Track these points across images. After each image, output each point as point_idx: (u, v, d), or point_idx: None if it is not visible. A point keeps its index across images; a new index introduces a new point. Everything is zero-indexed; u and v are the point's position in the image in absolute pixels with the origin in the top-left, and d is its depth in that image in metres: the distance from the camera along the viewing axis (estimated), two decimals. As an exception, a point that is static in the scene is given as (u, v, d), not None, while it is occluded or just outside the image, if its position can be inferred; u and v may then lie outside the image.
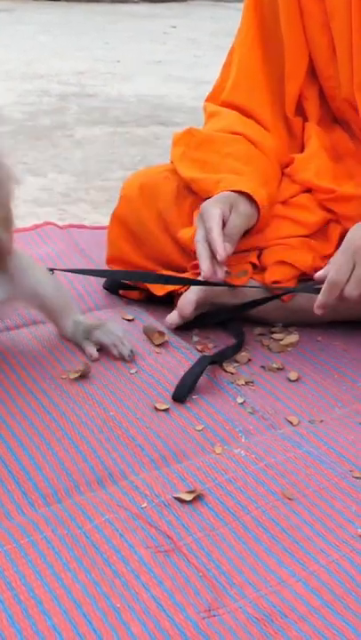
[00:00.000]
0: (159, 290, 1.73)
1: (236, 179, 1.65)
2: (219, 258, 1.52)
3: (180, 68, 5.42)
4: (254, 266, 1.68)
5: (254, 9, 1.79)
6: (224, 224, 1.57)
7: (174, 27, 7.64)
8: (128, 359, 1.51)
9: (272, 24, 1.77)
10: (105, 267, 1.88)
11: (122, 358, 1.51)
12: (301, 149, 1.81)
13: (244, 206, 1.60)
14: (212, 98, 1.91)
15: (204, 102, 1.93)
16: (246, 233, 1.65)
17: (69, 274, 1.75)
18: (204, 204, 1.61)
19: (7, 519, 1.12)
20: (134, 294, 1.80)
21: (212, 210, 1.57)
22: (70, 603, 0.96)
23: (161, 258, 1.79)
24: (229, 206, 1.59)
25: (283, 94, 1.79)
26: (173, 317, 1.63)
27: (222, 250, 1.52)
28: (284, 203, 1.74)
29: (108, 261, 1.87)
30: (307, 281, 1.63)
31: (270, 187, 1.71)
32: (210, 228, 1.54)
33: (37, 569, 1.01)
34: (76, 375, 1.44)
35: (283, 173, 1.78)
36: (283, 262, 1.65)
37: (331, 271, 1.47)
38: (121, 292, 1.81)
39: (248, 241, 1.68)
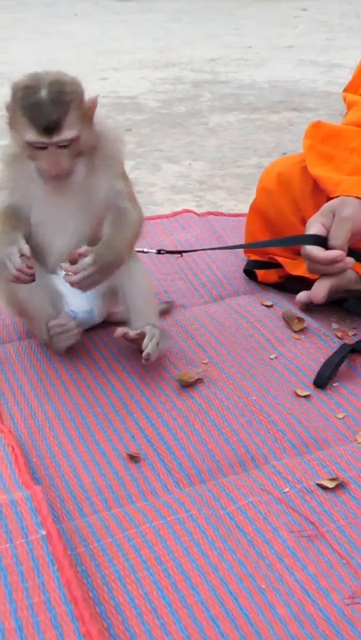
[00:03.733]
0: (294, 269, 1.74)
1: (356, 182, 1.63)
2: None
3: (312, 51, 5.35)
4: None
5: None
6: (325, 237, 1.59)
7: (305, 9, 7.53)
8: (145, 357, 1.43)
9: None
10: (242, 253, 1.90)
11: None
12: None
13: (352, 209, 1.59)
14: (350, 88, 1.89)
15: (342, 92, 1.92)
16: None
17: (209, 261, 1.77)
18: (310, 220, 1.62)
19: (154, 496, 1.16)
20: (272, 276, 1.80)
21: (311, 229, 1.59)
22: (217, 580, 0.99)
23: (298, 247, 1.79)
24: (332, 216, 1.59)
25: None
26: (303, 296, 1.65)
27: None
28: None
29: (246, 251, 1.88)
30: None
31: None
32: (309, 251, 1.57)
33: (185, 546, 1.04)
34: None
35: None
36: None
37: None
38: (259, 274, 1.82)
39: None
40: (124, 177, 1.47)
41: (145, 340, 1.44)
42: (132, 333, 1.45)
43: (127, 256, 1.45)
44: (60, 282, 1.52)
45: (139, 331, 1.45)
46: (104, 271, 1.38)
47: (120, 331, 1.46)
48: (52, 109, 1.29)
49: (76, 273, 1.36)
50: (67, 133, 1.31)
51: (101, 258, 1.37)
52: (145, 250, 1.81)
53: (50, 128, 1.29)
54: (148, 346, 1.43)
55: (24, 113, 1.31)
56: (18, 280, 1.37)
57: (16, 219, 1.44)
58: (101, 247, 1.39)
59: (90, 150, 1.39)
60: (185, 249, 1.90)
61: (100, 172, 1.42)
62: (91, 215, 1.45)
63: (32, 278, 1.37)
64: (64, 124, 1.30)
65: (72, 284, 1.38)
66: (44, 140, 1.31)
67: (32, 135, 1.31)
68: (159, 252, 1.82)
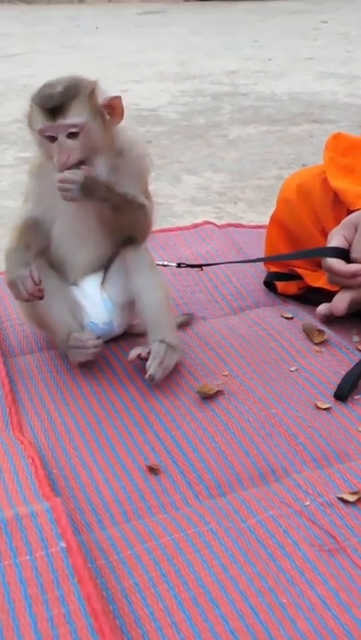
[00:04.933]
0: (314, 281, 1.73)
1: None
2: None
3: (333, 64, 5.36)
4: None
5: None
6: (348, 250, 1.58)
7: (325, 22, 7.55)
8: (148, 378, 1.44)
9: None
10: (261, 265, 1.90)
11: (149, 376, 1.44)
12: None
13: None
14: None
15: None
16: None
17: (229, 272, 1.77)
18: (331, 232, 1.61)
19: (173, 509, 1.15)
20: (293, 288, 1.80)
21: (332, 241, 1.58)
22: (237, 594, 0.98)
23: (319, 259, 1.79)
24: (354, 229, 1.58)
25: None
26: (323, 309, 1.65)
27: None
28: None
29: (266, 263, 1.88)
30: None
31: None
32: (330, 264, 1.56)
33: (205, 559, 1.03)
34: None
35: None
36: None
37: None
38: (279, 286, 1.82)
39: None
40: (146, 193, 1.48)
41: (148, 361, 1.44)
42: (144, 353, 1.46)
43: (114, 200, 1.41)
44: (81, 294, 1.53)
45: (148, 349, 1.46)
46: (84, 189, 1.36)
47: (133, 354, 1.47)
48: (58, 94, 1.34)
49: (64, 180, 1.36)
50: (72, 118, 1.34)
51: (89, 179, 1.36)
52: (165, 263, 1.81)
53: (54, 111, 1.33)
54: (151, 367, 1.43)
55: (35, 102, 1.35)
56: (27, 301, 1.42)
57: (34, 233, 1.46)
58: (98, 180, 1.38)
59: (107, 150, 1.40)
60: (205, 261, 1.91)
61: (123, 186, 1.43)
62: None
63: (41, 298, 1.41)
64: (70, 109, 1.34)
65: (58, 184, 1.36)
66: (49, 124, 1.34)
67: (40, 122, 1.35)
68: (179, 265, 1.82)
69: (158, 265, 1.58)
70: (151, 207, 1.49)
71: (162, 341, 1.47)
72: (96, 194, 1.38)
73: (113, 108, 1.40)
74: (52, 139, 1.36)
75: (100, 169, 1.40)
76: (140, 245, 1.51)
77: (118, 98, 1.40)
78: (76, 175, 1.35)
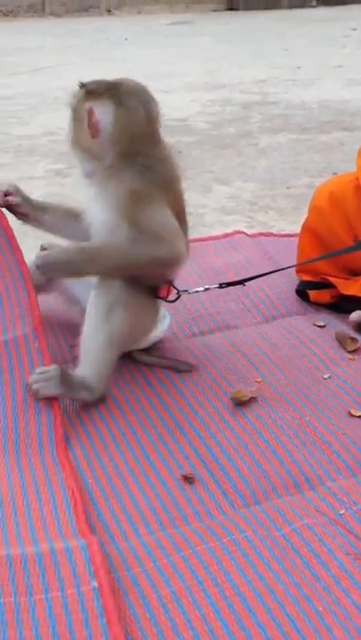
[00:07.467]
0: (347, 288, 1.73)
1: None
2: None
3: (363, 71, 5.34)
4: None
5: None
6: None
7: (354, 29, 7.53)
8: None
9: None
10: (293, 274, 1.90)
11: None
12: None
13: None
14: None
15: None
16: None
17: (260, 281, 1.77)
18: None
19: (208, 517, 1.16)
20: (325, 297, 1.80)
21: None
22: (274, 602, 0.98)
23: (350, 265, 1.79)
24: None
25: None
26: (356, 316, 1.66)
27: None
28: None
29: (298, 270, 1.88)
30: None
31: None
32: None
33: (241, 567, 1.04)
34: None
35: None
36: None
37: None
38: (312, 295, 1.81)
39: None
40: (140, 205, 1.43)
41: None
42: None
43: (83, 267, 1.46)
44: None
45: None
46: (50, 266, 1.45)
47: None
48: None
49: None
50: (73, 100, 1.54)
51: (50, 255, 1.44)
52: (207, 287, 1.69)
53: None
54: (37, 380, 1.39)
55: None
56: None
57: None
58: (61, 248, 1.47)
59: (83, 149, 1.49)
60: (237, 270, 1.90)
61: (112, 189, 1.44)
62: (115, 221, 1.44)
63: None
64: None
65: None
66: None
67: None
68: (221, 285, 1.74)
69: (199, 292, 1.61)
70: (151, 247, 1.42)
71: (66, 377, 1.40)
72: (64, 268, 1.46)
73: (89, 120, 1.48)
74: None
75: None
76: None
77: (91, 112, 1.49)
78: (39, 260, 1.44)
